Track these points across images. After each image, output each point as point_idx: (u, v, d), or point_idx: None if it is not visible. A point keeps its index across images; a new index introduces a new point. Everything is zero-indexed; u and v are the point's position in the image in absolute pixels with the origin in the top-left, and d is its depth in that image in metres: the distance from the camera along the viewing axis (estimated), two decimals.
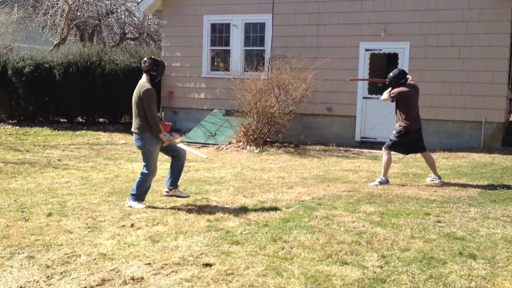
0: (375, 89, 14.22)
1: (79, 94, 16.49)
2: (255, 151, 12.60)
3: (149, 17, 24.10)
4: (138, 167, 10.27)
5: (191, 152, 7.69)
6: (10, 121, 17.79)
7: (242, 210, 6.71)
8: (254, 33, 15.22)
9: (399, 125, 8.64)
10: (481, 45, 12.73)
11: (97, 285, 4.30)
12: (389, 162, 8.64)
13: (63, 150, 12.41)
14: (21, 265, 4.74)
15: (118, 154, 12.03)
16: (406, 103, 8.59)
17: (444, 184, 8.50)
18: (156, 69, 6.87)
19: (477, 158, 11.54)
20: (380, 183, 8.53)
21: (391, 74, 8.76)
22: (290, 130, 13.86)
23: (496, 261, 4.77)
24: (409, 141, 8.65)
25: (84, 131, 15.92)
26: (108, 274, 4.50)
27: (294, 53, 14.03)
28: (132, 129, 7.04)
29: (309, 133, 14.27)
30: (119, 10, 25.33)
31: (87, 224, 6.08)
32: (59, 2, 22.99)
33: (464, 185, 8.42)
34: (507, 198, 7.44)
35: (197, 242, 5.34)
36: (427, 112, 13.14)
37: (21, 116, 17.80)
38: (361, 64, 13.88)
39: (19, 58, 17.22)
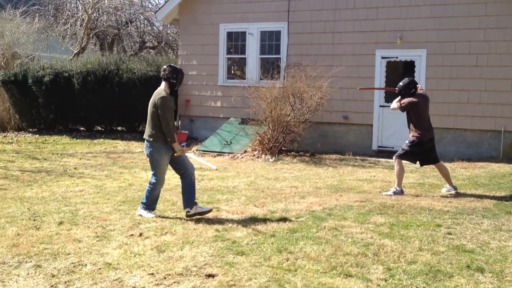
0: (392, 97, 14.03)
1: (97, 103, 16.68)
2: (270, 160, 12.58)
3: (168, 26, 24.30)
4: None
5: (201, 162, 7.54)
6: (30, 130, 18.05)
7: (251, 220, 6.70)
8: (269, 41, 15.24)
9: (412, 135, 8.58)
10: (499, 53, 12.54)
11: None
12: (401, 171, 8.56)
13: (80, 159, 12.54)
14: (28, 274, 4.80)
15: (133, 162, 12.11)
16: (417, 113, 8.53)
17: (460, 195, 8.38)
18: (176, 77, 6.87)
19: (496, 168, 11.35)
20: (395, 193, 8.45)
21: (401, 83, 8.72)
22: (306, 139, 13.80)
23: (504, 275, 4.67)
24: (421, 151, 8.58)
25: (102, 140, 16.08)
26: (110, 284, 4.52)
27: (309, 61, 14.00)
28: (144, 136, 7.01)
29: (325, 142, 14.19)
30: (138, 19, 25.58)
31: (96, 233, 6.12)
32: (79, 11, 23.32)
33: (480, 196, 8.28)
34: None
35: (202, 253, 5.33)
36: (445, 121, 13.03)
37: (41, 124, 18.03)
38: (377, 72, 13.78)
39: (39, 67, 17.49)
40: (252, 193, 8.59)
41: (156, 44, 25.89)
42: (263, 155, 12.91)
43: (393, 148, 13.50)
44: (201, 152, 13.56)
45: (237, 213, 7.15)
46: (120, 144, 15.24)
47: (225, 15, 15.51)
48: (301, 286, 4.44)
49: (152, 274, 4.75)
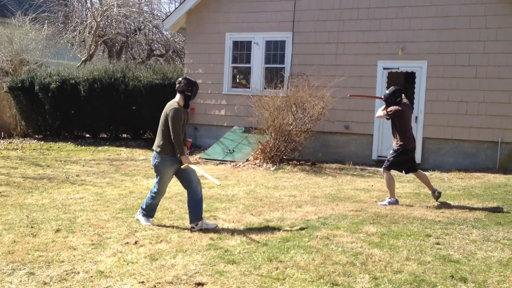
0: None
1: (103, 110, 16.88)
2: (271, 168, 12.70)
3: (176, 34, 24.52)
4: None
5: (205, 176, 7.45)
6: (36, 136, 18.28)
7: (247, 229, 6.81)
8: (274, 50, 15.40)
9: (396, 144, 8.74)
10: (497, 65, 12.65)
11: None
12: (391, 182, 8.72)
13: (83, 166, 12.71)
14: (20, 281, 4.92)
15: (136, 170, 12.26)
16: (402, 121, 8.71)
17: (453, 206, 8.45)
18: (191, 89, 6.91)
19: (492, 179, 11.42)
20: (389, 203, 8.56)
21: (387, 91, 8.89)
22: (308, 148, 13.92)
23: (486, 285, 4.76)
24: (406, 160, 8.76)
25: (106, 147, 16.26)
26: None
27: (312, 71, 14.15)
28: (153, 147, 7.05)
29: (326, 151, 14.31)
30: (147, 27, 25.81)
31: (92, 240, 6.24)
32: (88, 19, 23.58)
33: (473, 206, 8.36)
34: None
35: (194, 261, 5.45)
36: (444, 132, 13.15)
37: (47, 131, 18.24)
38: (379, 83, 13.90)
39: (46, 74, 17.72)
40: (250, 202, 8.70)
41: (164, 52, 26.11)
42: (265, 164, 13.03)
43: None
44: (203, 160, 13.70)
45: (233, 222, 7.26)
46: (124, 152, 15.42)
47: (231, 25, 15.69)
48: None
49: (143, 282, 4.87)
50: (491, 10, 12.73)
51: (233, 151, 14.00)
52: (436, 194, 8.68)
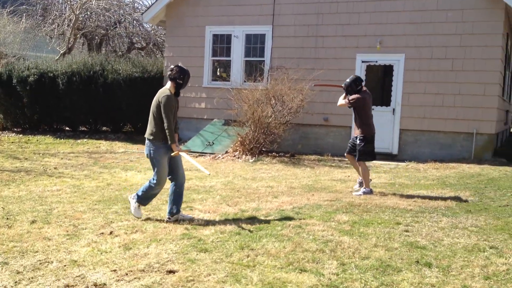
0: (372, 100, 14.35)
1: (81, 103, 16.82)
2: (250, 160, 12.79)
3: (157, 27, 24.46)
4: (132, 175, 10.51)
5: (195, 165, 7.40)
6: (15, 129, 18.16)
7: (221, 219, 6.89)
8: (254, 44, 15.45)
9: (361, 133, 8.84)
10: (473, 58, 12.85)
11: None
12: (366, 171, 8.84)
13: (61, 158, 12.69)
14: None
15: (115, 162, 12.27)
16: (365, 109, 8.86)
17: (425, 195, 8.61)
18: (183, 77, 6.84)
19: (467, 169, 11.63)
20: (364, 193, 8.69)
21: (348, 80, 9.02)
22: (287, 140, 14.04)
23: (450, 270, 4.91)
24: (373, 146, 8.91)
25: (85, 140, 16.23)
26: (73, 280, 4.69)
27: (292, 64, 14.24)
28: (145, 135, 6.95)
29: (306, 143, 14.45)
30: (127, 20, 25.70)
31: (67, 231, 6.28)
32: (67, 11, 23.42)
33: (445, 196, 8.54)
34: (483, 208, 7.55)
35: (167, 250, 5.52)
36: (420, 123, 13.35)
37: (26, 124, 18.14)
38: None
39: (24, 67, 17.59)
40: (228, 193, 8.78)
41: (145, 45, 26.03)
42: (244, 156, 13.12)
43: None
44: (187, 153, 13.74)
45: (209, 212, 7.32)
46: (104, 144, 15.40)
47: (211, 18, 15.71)
48: (257, 280, 4.65)
49: (115, 270, 4.93)
50: (468, 3, 12.92)
51: (213, 143, 14.06)
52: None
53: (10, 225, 6.49)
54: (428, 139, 13.42)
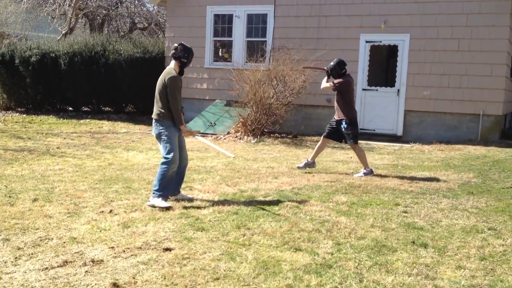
0: (374, 81, 14.30)
1: (83, 84, 16.82)
2: (252, 141, 12.78)
3: (158, 7, 24.32)
4: (133, 155, 10.54)
5: (212, 147, 7.14)
6: (19, 109, 18.22)
7: (220, 199, 6.90)
8: (256, 24, 15.35)
9: (346, 116, 8.82)
10: (480, 38, 12.71)
11: (58, 266, 4.53)
12: (362, 153, 8.90)
13: (64, 138, 12.73)
14: None
15: (117, 142, 12.30)
16: (349, 93, 8.91)
17: (428, 177, 8.59)
18: (187, 56, 6.73)
19: (472, 150, 11.58)
20: (365, 174, 8.68)
21: (332, 63, 9.03)
22: (289, 121, 14.00)
23: (446, 250, 4.91)
24: (358, 128, 9.06)
25: (88, 120, 16.26)
26: (71, 257, 4.73)
27: (294, 44, 14.14)
28: (152, 116, 6.83)
29: (309, 124, 14.41)
30: (128, 0, 25.57)
31: (68, 209, 6.32)
32: None
33: (448, 177, 8.51)
34: (485, 190, 7.53)
35: (164, 228, 5.55)
36: (426, 104, 13.28)
37: (29, 104, 18.20)
38: (361, 56, 13.94)
39: (26, 47, 17.58)
40: (228, 173, 8.79)
41: (146, 25, 25.92)
42: (246, 137, 13.11)
43: (374, 130, 13.78)
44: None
45: (208, 192, 7.34)
46: (106, 125, 15.43)
47: None
48: (251, 259, 4.66)
49: (113, 247, 4.97)
50: None
51: (215, 124, 14.06)
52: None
53: (12, 203, 6.54)
54: (433, 120, 13.35)
